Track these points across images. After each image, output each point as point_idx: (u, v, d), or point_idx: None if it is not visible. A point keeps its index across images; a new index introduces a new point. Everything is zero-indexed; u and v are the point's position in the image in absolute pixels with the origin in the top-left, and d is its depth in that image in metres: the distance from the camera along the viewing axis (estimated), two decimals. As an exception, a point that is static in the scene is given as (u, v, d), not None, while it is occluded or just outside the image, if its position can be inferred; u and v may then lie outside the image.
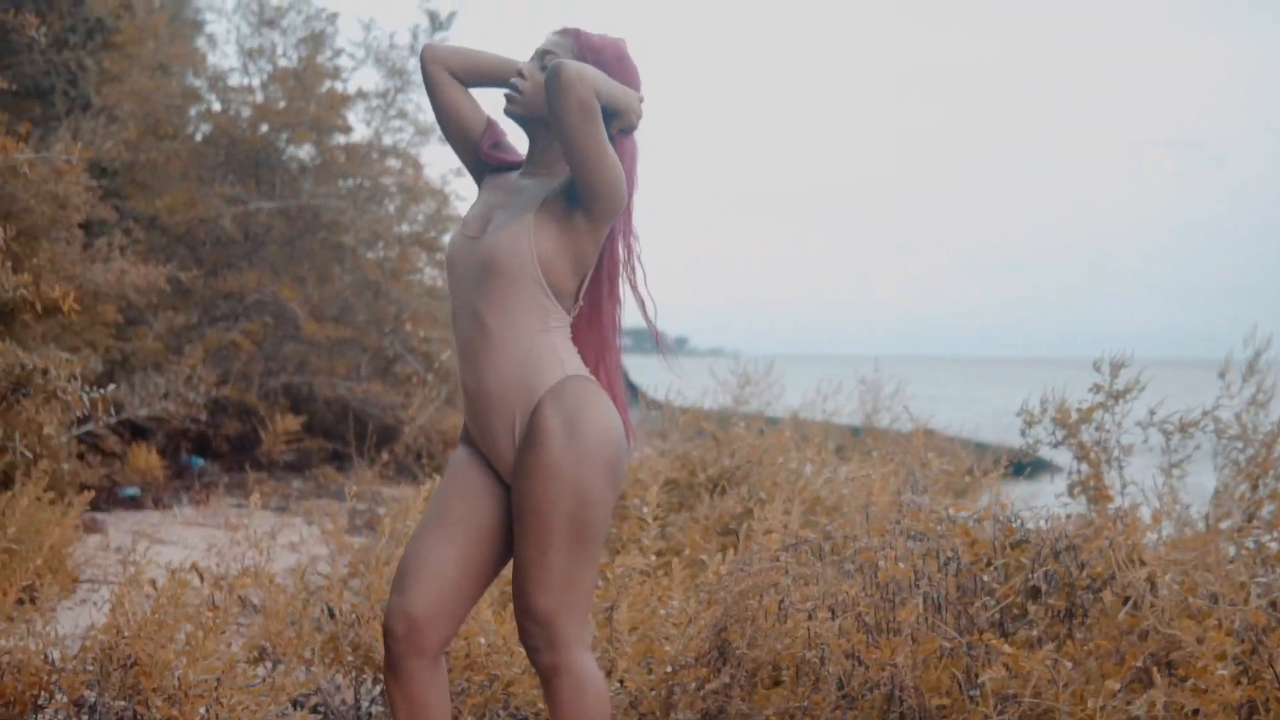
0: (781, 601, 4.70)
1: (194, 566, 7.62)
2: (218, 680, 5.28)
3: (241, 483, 13.69)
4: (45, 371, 7.52)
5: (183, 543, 10.20)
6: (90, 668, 5.40)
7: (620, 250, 4.13)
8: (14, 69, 13.37)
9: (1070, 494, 5.30)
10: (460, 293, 4.03)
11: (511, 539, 4.00)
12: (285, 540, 10.45)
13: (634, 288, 4.18)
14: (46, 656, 5.48)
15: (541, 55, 4.07)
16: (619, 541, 7.39)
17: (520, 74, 4.07)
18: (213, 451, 15.19)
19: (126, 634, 5.32)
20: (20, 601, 6.99)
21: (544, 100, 3.97)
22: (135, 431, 14.04)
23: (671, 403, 12.92)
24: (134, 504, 11.90)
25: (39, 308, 8.36)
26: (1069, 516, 4.95)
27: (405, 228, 17.27)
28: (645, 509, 5.89)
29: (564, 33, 4.09)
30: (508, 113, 4.11)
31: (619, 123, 3.99)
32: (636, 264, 4.17)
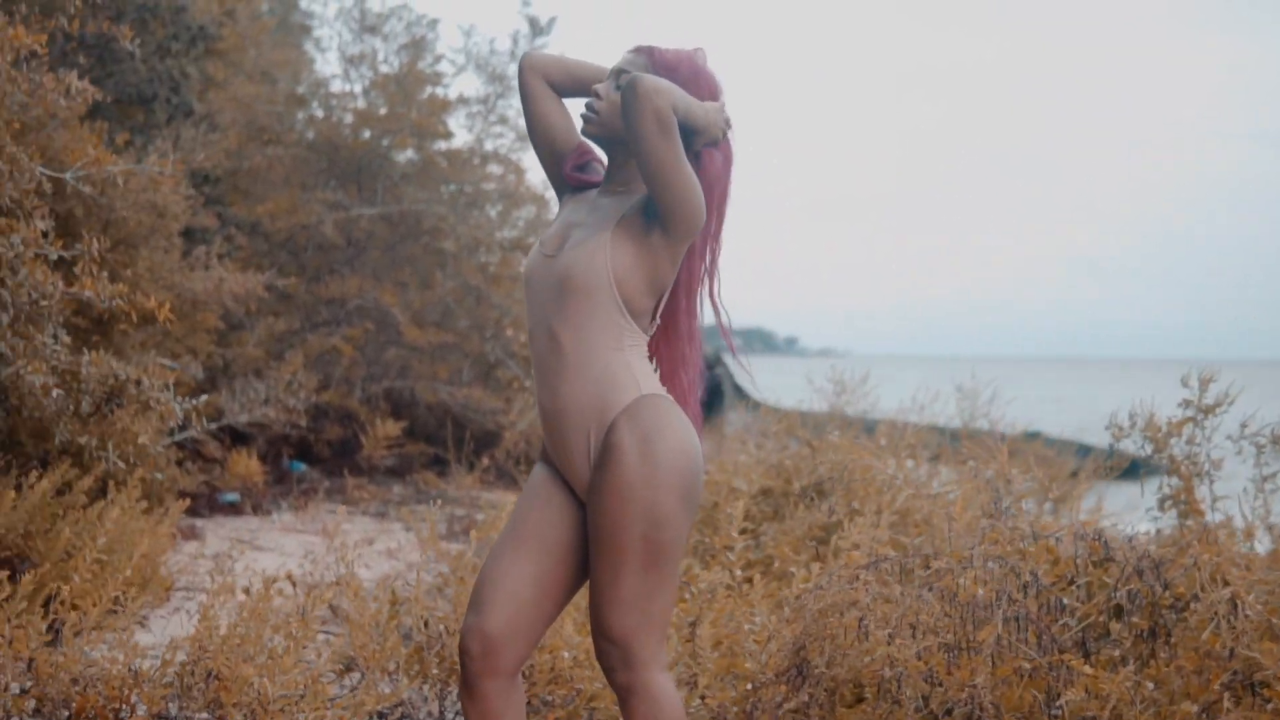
0: (861, 620, 4.64)
1: (288, 576, 7.67)
2: (301, 694, 5.29)
3: (342, 488, 13.76)
4: (139, 382, 7.57)
5: (279, 549, 10.24)
6: (171, 681, 5.42)
7: (699, 264, 4.08)
8: (117, 77, 13.51)
9: (1161, 508, 5.22)
10: (536, 310, 4.01)
11: (588, 557, 3.97)
12: (383, 546, 10.47)
13: (711, 297, 4.12)
14: (129, 668, 5.50)
15: (617, 74, 4.03)
16: (710, 551, 7.34)
17: (596, 94, 4.03)
18: (314, 456, 15.27)
19: (209, 647, 5.34)
20: (112, 612, 7.03)
21: (621, 119, 3.94)
22: (236, 437, 14.15)
23: (773, 406, 12.83)
24: (234, 510, 11.98)
25: (134, 317, 8.43)
26: (1158, 532, 4.86)
27: (507, 233, 17.30)
28: (734, 522, 5.84)
29: (639, 50, 4.05)
30: (584, 133, 4.07)
31: (701, 139, 3.95)
32: (715, 273, 4.12)
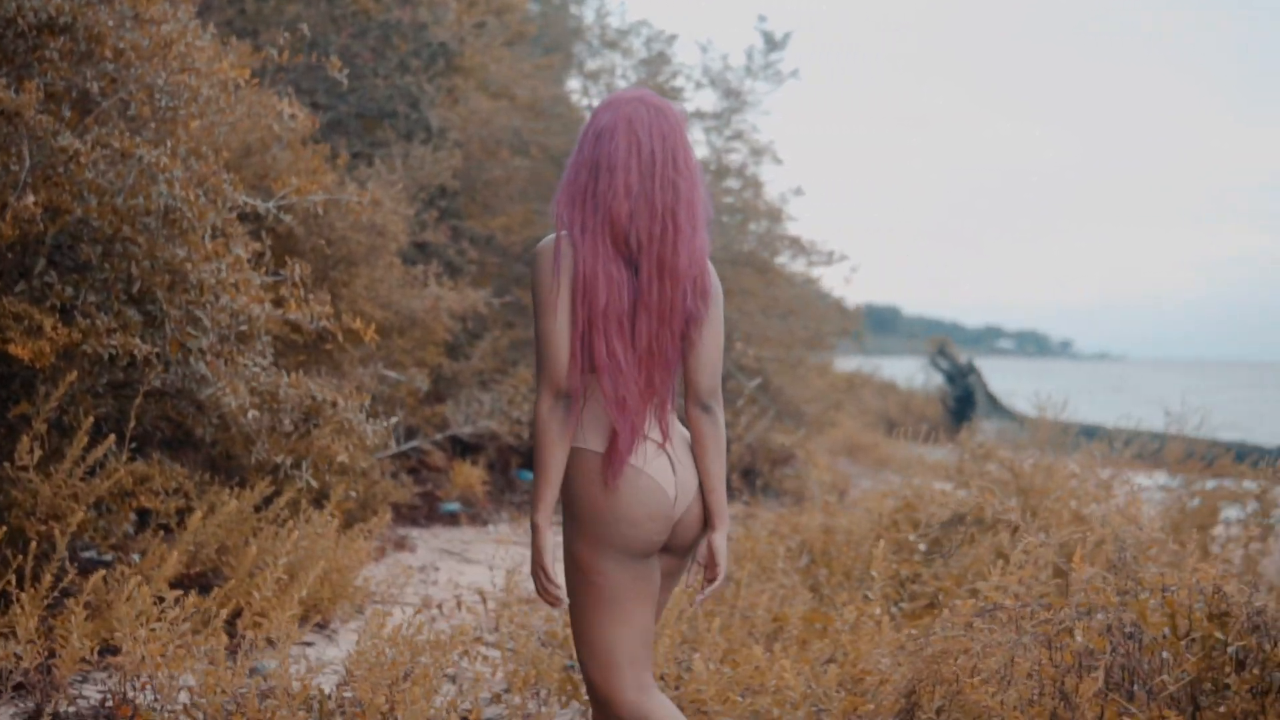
0: (974, 669, 4.67)
1: (480, 592, 7.86)
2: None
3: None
4: (335, 404, 7.83)
5: (488, 561, 10.37)
6: (305, 711, 5.56)
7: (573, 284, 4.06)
8: (360, 92, 13.93)
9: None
10: None
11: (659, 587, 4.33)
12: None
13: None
14: (278, 689, 5.65)
15: None
16: (867, 586, 7.30)
17: None
18: (543, 465, 15.42)
19: (356, 672, 5.52)
20: (300, 625, 7.27)
21: None
22: (467, 447, 14.39)
23: (1029, 415, 12.62)
24: (453, 520, 12.20)
25: (339, 337, 8.72)
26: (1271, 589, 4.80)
27: (743, 247, 17.28)
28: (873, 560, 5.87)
29: None
30: None
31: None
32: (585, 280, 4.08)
